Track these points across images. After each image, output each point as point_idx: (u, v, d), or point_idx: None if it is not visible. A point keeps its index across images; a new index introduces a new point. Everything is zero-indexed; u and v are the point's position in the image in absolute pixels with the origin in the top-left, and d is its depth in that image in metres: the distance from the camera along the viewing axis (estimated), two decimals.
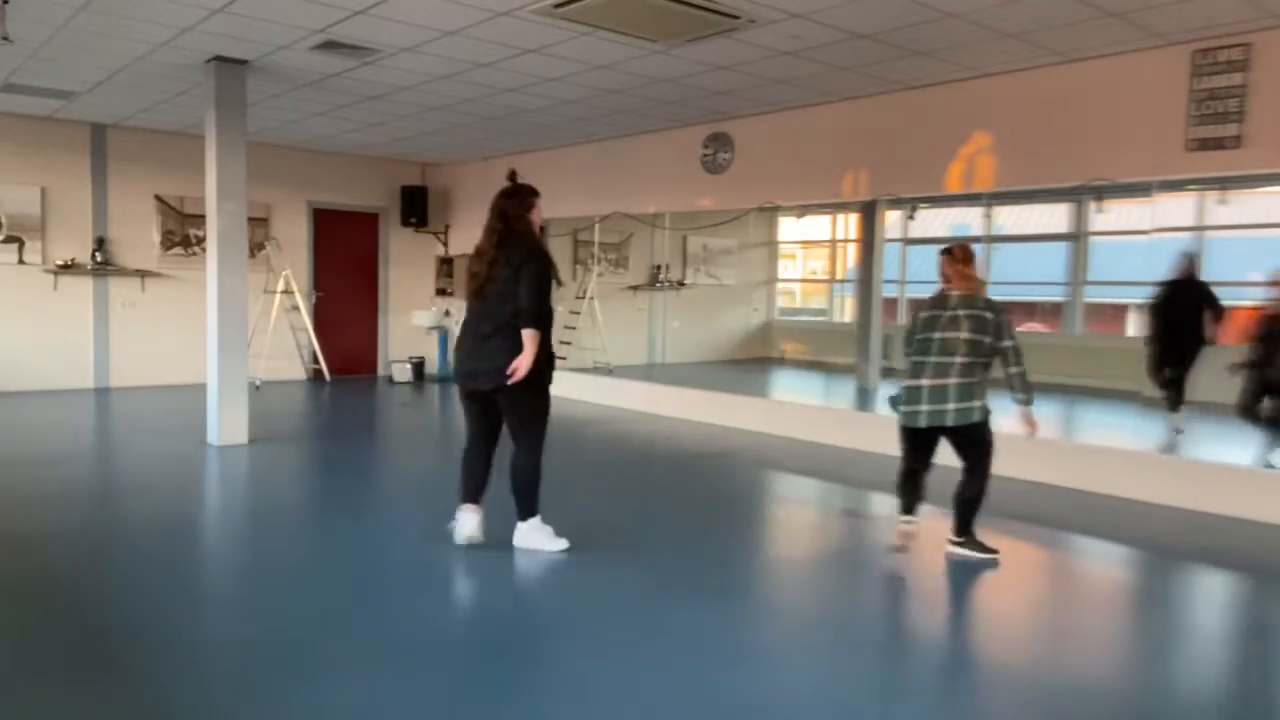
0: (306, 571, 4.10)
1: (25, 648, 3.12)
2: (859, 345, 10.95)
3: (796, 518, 5.38)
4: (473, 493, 4.28)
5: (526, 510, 4.23)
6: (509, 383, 3.95)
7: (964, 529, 4.31)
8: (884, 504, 5.71)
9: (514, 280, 3.97)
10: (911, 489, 4.40)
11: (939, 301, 4.22)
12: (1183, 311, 7.10)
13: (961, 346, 4.07)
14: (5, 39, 5.36)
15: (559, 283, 4.21)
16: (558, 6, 5.21)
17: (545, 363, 4.05)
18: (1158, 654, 3.47)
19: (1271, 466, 5.90)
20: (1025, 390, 4.13)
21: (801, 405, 9.15)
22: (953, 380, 4.06)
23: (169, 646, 3.15)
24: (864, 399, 10.06)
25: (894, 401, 4.32)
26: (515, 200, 4.13)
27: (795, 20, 5.34)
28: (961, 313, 4.11)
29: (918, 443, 4.29)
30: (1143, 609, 4.09)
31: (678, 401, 8.93)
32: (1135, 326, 11.01)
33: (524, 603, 3.77)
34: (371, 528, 4.69)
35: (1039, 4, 4.99)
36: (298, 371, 10.85)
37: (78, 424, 7.89)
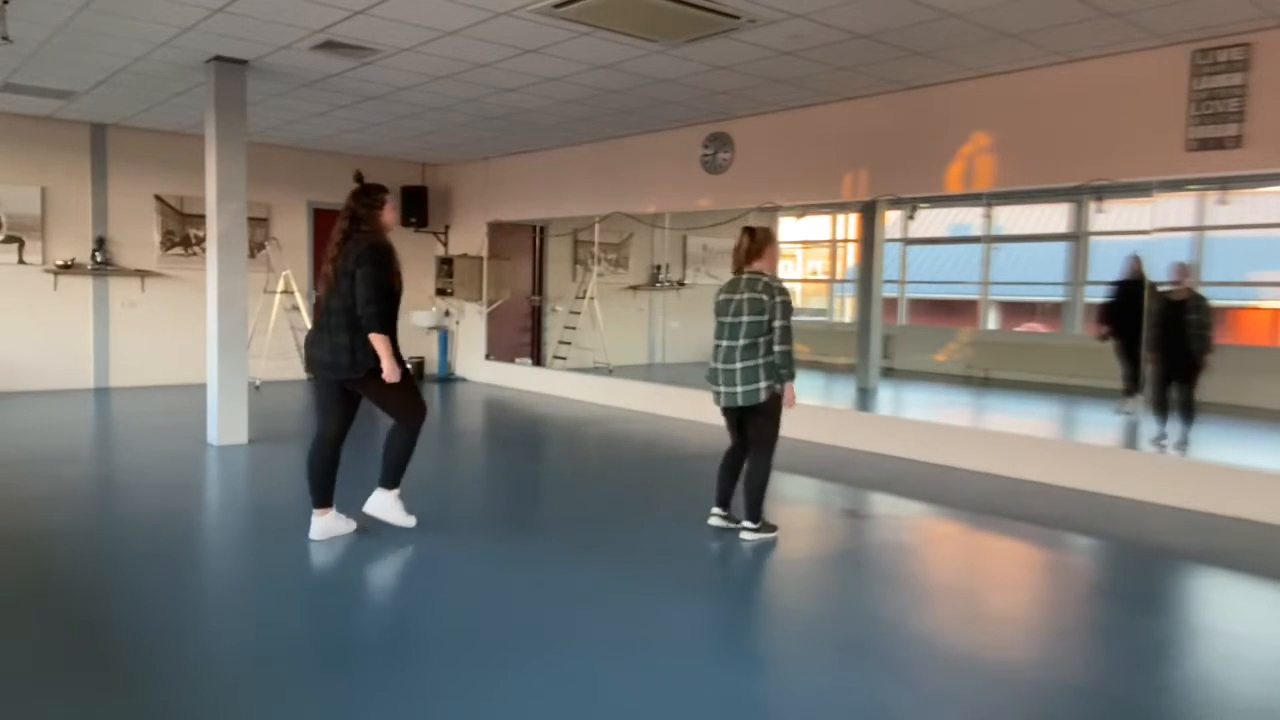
0: (306, 570, 4.11)
1: (24, 647, 3.12)
2: (859, 345, 10.93)
3: (796, 518, 5.37)
4: (327, 493, 4.40)
5: (392, 480, 4.43)
6: (363, 376, 4.14)
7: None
8: (883, 503, 5.72)
9: (352, 280, 4.04)
10: None
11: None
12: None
13: None
14: (5, 39, 5.37)
15: (399, 283, 4.18)
16: (558, 6, 5.21)
17: (368, 351, 4.09)
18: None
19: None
20: None
21: (801, 406, 9.11)
22: None
23: (168, 646, 3.15)
24: (864, 399, 10.05)
25: None
26: (363, 199, 4.15)
27: (795, 20, 5.35)
28: None
29: None
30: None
31: (678, 401, 8.93)
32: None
33: (519, 602, 3.77)
34: (370, 526, 4.69)
35: (1039, 4, 4.99)
36: (298, 371, 10.83)
37: (78, 424, 7.88)
